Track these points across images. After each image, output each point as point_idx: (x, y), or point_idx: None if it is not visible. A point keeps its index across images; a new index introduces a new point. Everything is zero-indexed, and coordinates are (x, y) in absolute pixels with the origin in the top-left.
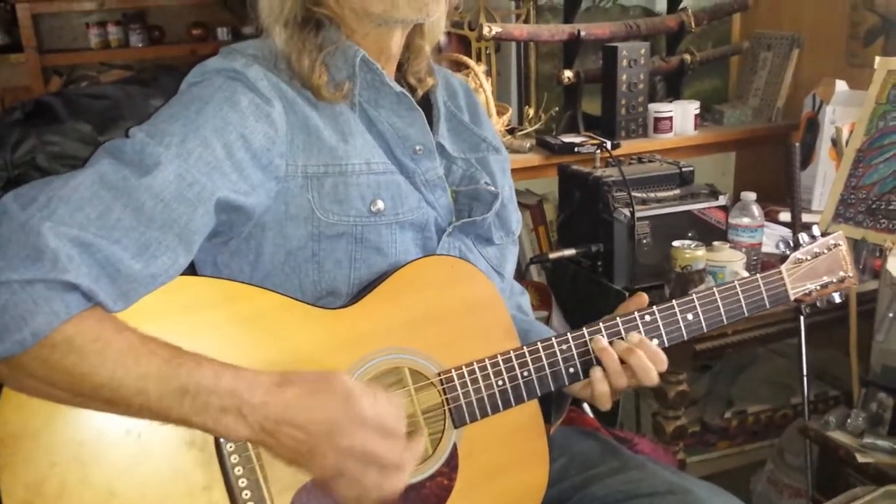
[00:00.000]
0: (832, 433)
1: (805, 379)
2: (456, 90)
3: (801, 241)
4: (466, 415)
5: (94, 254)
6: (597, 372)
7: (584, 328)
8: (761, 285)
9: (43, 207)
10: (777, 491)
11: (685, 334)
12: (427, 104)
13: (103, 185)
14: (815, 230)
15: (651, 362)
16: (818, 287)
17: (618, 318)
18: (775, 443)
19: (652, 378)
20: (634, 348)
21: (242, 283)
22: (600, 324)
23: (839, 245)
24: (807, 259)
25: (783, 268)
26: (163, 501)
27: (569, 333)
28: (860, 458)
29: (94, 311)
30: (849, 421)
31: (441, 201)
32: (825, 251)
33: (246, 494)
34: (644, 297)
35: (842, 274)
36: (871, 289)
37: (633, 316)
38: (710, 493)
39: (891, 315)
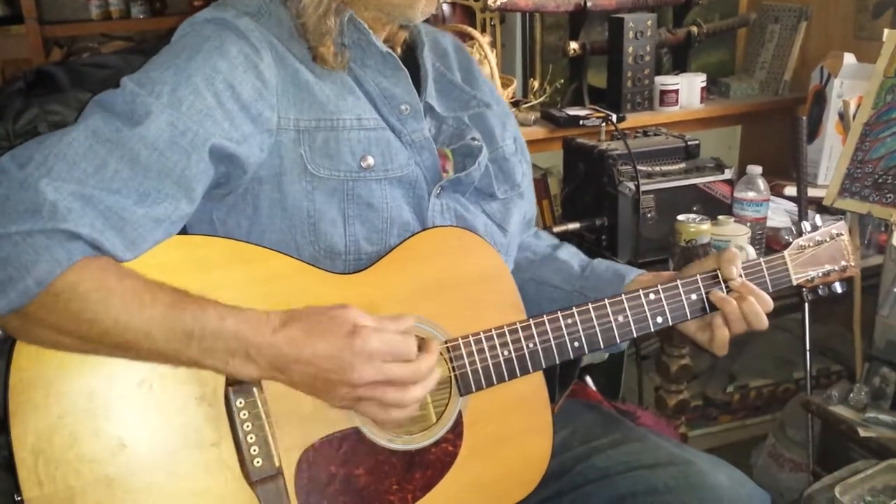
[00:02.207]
0: (834, 407)
1: (808, 354)
2: (446, 50)
3: (804, 230)
4: (472, 382)
5: (96, 205)
6: (717, 318)
7: (588, 304)
8: (764, 269)
9: (40, 165)
10: (778, 465)
11: (688, 314)
12: (415, 65)
13: (97, 138)
14: (818, 219)
15: (760, 305)
16: (820, 274)
17: (623, 296)
18: (777, 417)
19: (763, 322)
20: (746, 295)
21: (254, 244)
22: (606, 300)
23: (841, 235)
24: (809, 246)
25: (786, 253)
26: (172, 455)
27: (574, 308)
28: (862, 433)
29: (98, 259)
30: (851, 395)
31: (427, 162)
32: (827, 240)
33: (254, 450)
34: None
35: (844, 263)
36: (876, 263)
37: (637, 294)
38: (711, 465)
39: (895, 290)
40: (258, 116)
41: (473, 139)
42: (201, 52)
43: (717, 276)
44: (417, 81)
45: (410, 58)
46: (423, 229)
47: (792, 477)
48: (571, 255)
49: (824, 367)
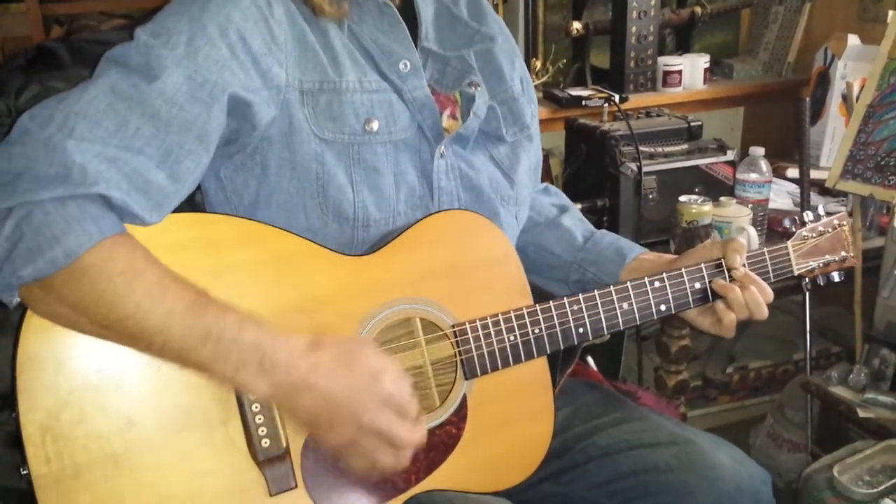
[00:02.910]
0: (834, 388)
1: (808, 335)
2: None
3: (807, 219)
4: (477, 367)
5: (121, 168)
6: (720, 304)
7: (595, 291)
8: (767, 259)
9: (62, 126)
10: (776, 445)
11: (691, 302)
12: (413, 13)
13: (116, 95)
14: (821, 209)
15: (761, 295)
16: (821, 265)
17: (628, 284)
18: (776, 398)
19: (763, 311)
20: (748, 284)
21: (265, 224)
22: (611, 288)
23: (843, 225)
24: (812, 237)
25: (789, 243)
26: (180, 433)
27: (580, 295)
28: (861, 413)
29: (126, 238)
30: (851, 376)
31: (428, 121)
32: (829, 230)
33: (262, 431)
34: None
35: (843, 254)
36: (878, 246)
37: (642, 282)
38: (712, 444)
39: None
40: (267, 72)
41: (469, 84)
42: (214, 1)
43: (721, 266)
44: (417, 28)
45: (410, 5)
46: (433, 212)
47: (790, 457)
48: (575, 222)
49: (824, 349)
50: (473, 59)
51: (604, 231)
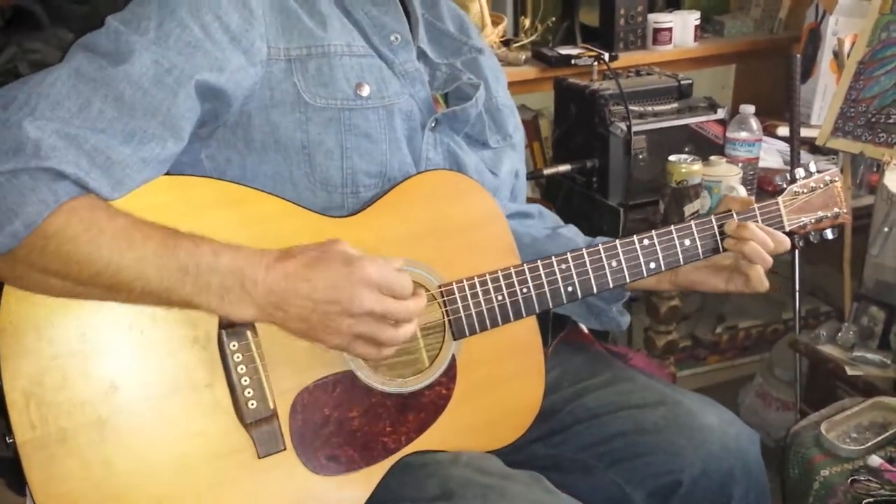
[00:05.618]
0: (822, 347)
1: (797, 294)
2: (436, 0)
3: (798, 175)
4: (466, 327)
5: (81, 145)
6: (741, 259)
7: (583, 250)
8: (758, 215)
9: (23, 105)
10: (765, 404)
11: (682, 260)
12: (405, 11)
13: (80, 77)
14: (812, 166)
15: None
16: (812, 221)
17: (616, 242)
18: (765, 357)
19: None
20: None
21: (245, 185)
22: (600, 246)
23: (835, 181)
24: (803, 192)
25: (780, 199)
26: (165, 397)
27: (568, 253)
28: (850, 371)
29: (86, 198)
30: (839, 335)
31: (420, 94)
32: (821, 186)
33: (248, 393)
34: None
35: (836, 210)
36: (867, 204)
37: (631, 240)
38: (700, 404)
39: (886, 229)
40: (250, 48)
41: (469, 79)
42: None
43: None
44: (409, 27)
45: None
46: (418, 172)
47: (779, 416)
48: (575, 232)
49: (813, 308)
50: (461, 66)
51: (601, 238)
